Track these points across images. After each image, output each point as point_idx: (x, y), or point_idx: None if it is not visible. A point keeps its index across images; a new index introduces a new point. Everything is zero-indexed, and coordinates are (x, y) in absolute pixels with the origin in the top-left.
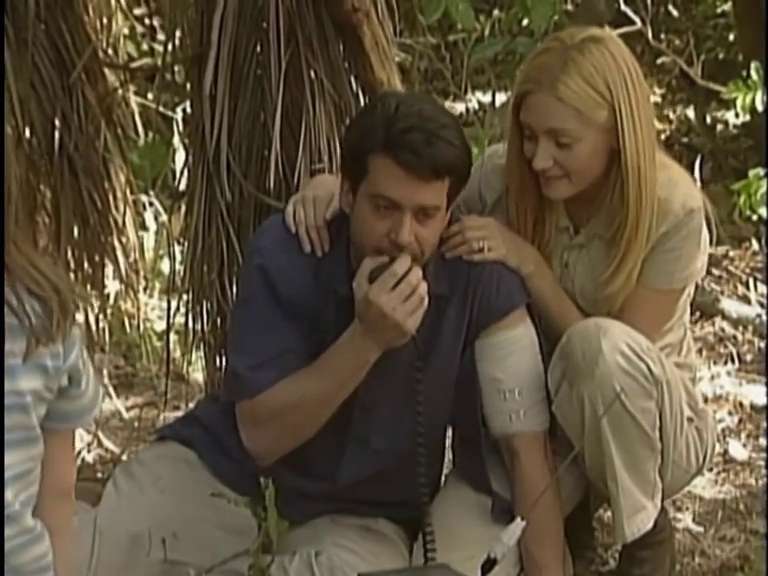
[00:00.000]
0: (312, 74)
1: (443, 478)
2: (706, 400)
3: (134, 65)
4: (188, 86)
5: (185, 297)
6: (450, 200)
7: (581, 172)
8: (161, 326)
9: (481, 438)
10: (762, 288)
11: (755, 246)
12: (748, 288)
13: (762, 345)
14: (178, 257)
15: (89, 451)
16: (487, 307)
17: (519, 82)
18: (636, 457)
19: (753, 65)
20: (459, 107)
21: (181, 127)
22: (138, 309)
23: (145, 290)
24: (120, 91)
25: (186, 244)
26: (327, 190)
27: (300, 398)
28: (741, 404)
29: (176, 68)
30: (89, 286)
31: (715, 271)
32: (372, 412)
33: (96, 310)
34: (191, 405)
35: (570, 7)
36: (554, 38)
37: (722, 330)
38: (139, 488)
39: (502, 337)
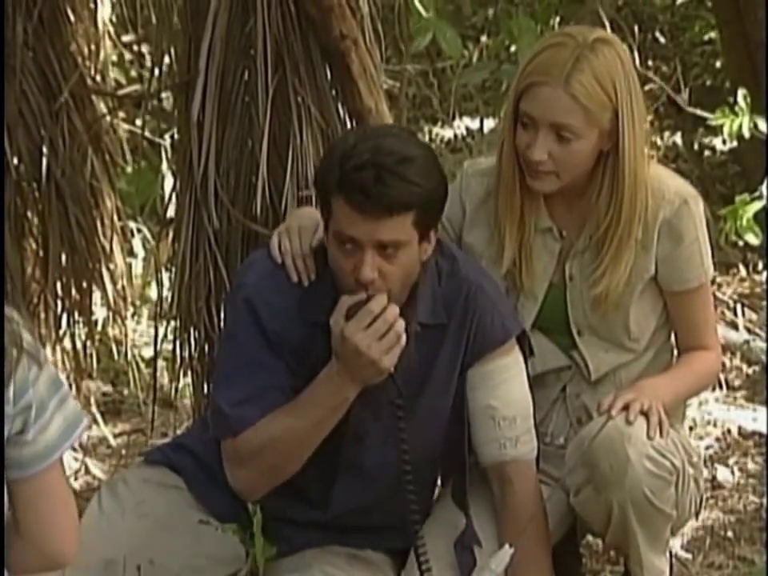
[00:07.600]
0: (299, 100)
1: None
2: (693, 426)
3: (122, 92)
4: (176, 112)
5: (172, 323)
6: (422, 230)
7: (571, 169)
8: (148, 352)
9: (466, 465)
10: (749, 314)
11: (743, 271)
12: (735, 314)
13: (750, 371)
14: (166, 283)
15: (76, 478)
16: (483, 336)
17: (526, 71)
18: (657, 532)
19: (740, 91)
20: (447, 133)
21: (169, 154)
22: (126, 335)
23: (132, 316)
24: (108, 118)
25: (173, 270)
26: (312, 219)
27: (278, 436)
28: (729, 430)
29: (164, 95)
30: (77, 313)
31: None
32: (363, 441)
33: (84, 337)
34: (179, 431)
35: None
36: (563, 34)
37: None
38: (121, 509)
39: (495, 365)
